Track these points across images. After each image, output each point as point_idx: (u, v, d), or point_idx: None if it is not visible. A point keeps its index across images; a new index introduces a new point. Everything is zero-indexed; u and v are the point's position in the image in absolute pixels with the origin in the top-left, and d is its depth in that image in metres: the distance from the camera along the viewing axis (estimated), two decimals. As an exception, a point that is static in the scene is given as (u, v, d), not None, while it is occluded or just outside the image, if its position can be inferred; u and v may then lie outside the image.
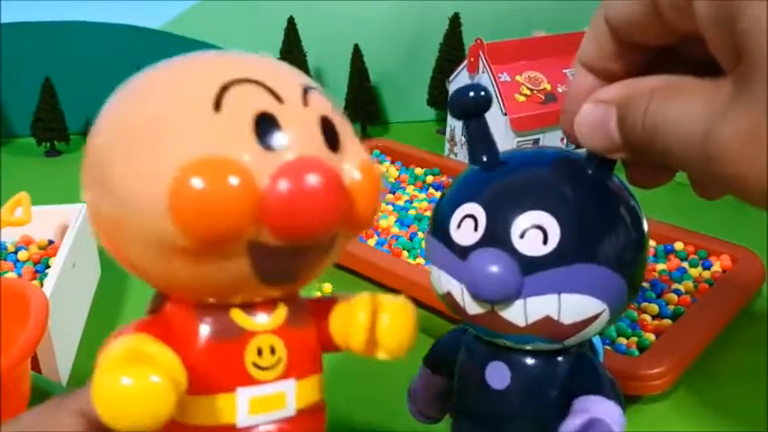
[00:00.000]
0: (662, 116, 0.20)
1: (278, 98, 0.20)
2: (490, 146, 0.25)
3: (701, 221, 0.54)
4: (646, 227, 0.25)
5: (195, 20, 0.79)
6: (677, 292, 0.47)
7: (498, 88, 0.65)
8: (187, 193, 0.18)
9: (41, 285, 0.44)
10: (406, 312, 0.23)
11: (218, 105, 0.19)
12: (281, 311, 0.22)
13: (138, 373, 0.17)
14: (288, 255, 0.20)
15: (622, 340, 0.42)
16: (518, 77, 0.66)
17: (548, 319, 0.23)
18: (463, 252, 0.24)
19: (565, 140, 0.67)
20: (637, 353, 0.41)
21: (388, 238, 0.54)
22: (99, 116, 0.21)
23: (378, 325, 0.23)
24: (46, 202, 0.53)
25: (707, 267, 0.50)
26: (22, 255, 0.50)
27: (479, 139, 0.26)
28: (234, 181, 0.18)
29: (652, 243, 0.53)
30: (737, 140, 0.18)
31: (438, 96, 0.81)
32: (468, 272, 0.23)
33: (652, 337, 0.42)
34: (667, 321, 0.44)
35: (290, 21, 0.76)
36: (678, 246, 0.52)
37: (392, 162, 0.68)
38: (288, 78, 0.21)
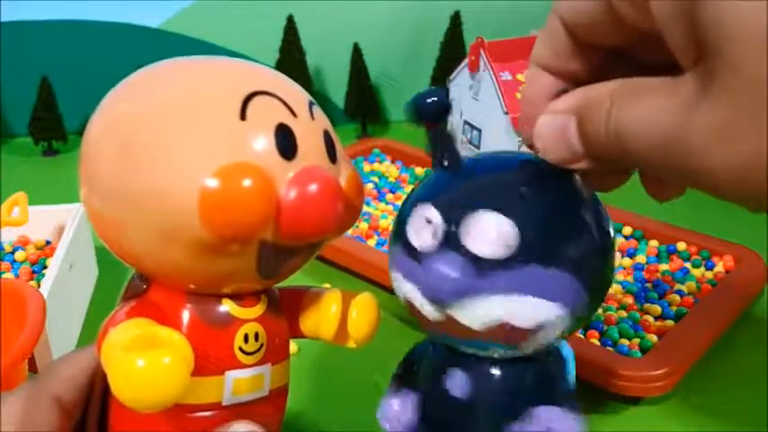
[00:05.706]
0: (627, 119, 0.19)
1: (292, 112, 0.22)
2: (451, 150, 0.25)
3: (703, 222, 0.53)
4: (611, 232, 0.25)
5: (194, 19, 0.79)
6: (680, 292, 0.46)
7: (500, 87, 0.64)
8: (220, 194, 0.20)
9: (39, 286, 0.43)
10: (372, 306, 0.26)
11: (243, 115, 0.21)
12: (264, 301, 0.24)
13: (152, 356, 0.19)
14: (287, 253, 0.22)
15: (625, 341, 0.42)
16: (519, 76, 0.66)
17: (501, 323, 0.23)
18: (419, 256, 0.24)
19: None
20: (639, 354, 0.40)
21: (388, 239, 0.54)
22: (103, 113, 0.22)
23: (348, 318, 0.25)
24: (43, 203, 0.52)
25: (709, 268, 0.49)
26: (19, 255, 0.50)
27: (440, 143, 0.25)
28: (261, 186, 0.20)
29: (655, 243, 0.52)
30: (710, 134, 0.17)
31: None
32: (422, 274, 0.24)
33: (654, 338, 0.42)
34: (670, 322, 0.43)
35: (290, 20, 0.75)
36: (681, 246, 0.51)
37: (392, 161, 0.68)
38: (296, 93, 0.23)
